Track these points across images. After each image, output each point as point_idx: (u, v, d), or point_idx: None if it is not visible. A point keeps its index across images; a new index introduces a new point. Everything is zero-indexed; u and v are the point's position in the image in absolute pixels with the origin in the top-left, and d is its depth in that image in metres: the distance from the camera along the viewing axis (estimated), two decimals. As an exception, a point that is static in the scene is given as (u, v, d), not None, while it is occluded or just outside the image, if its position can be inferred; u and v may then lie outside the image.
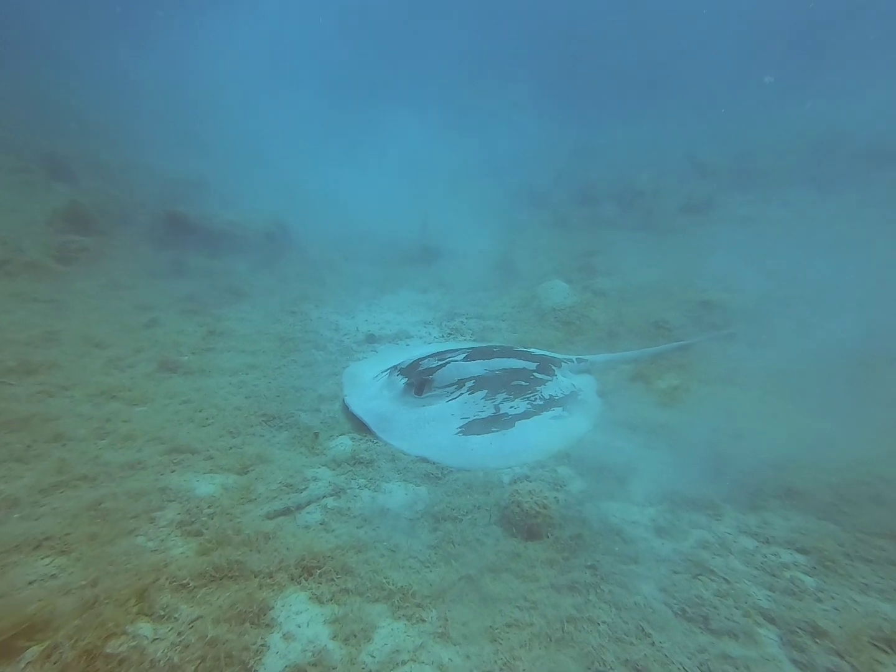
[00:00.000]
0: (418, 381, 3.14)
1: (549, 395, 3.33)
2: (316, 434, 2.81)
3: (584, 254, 6.23)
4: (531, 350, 3.84)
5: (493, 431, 2.96)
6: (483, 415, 3.08)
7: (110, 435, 2.35)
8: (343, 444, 2.78)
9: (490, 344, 3.98)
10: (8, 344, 3.04)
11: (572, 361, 3.78)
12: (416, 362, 3.33)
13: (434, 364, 3.27)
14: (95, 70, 12.91)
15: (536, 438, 2.95)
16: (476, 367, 3.34)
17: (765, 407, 3.07)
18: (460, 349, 3.66)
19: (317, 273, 5.89)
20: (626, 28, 25.85)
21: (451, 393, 3.16)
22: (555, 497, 2.37)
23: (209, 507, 1.97)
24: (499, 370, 3.38)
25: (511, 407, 3.17)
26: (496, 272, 5.90)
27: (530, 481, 2.56)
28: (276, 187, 8.23)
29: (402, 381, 3.16)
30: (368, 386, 3.37)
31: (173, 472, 2.18)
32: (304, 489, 2.32)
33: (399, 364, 3.38)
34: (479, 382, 3.23)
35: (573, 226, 7.65)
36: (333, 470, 2.54)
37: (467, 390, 3.18)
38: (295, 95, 12.17)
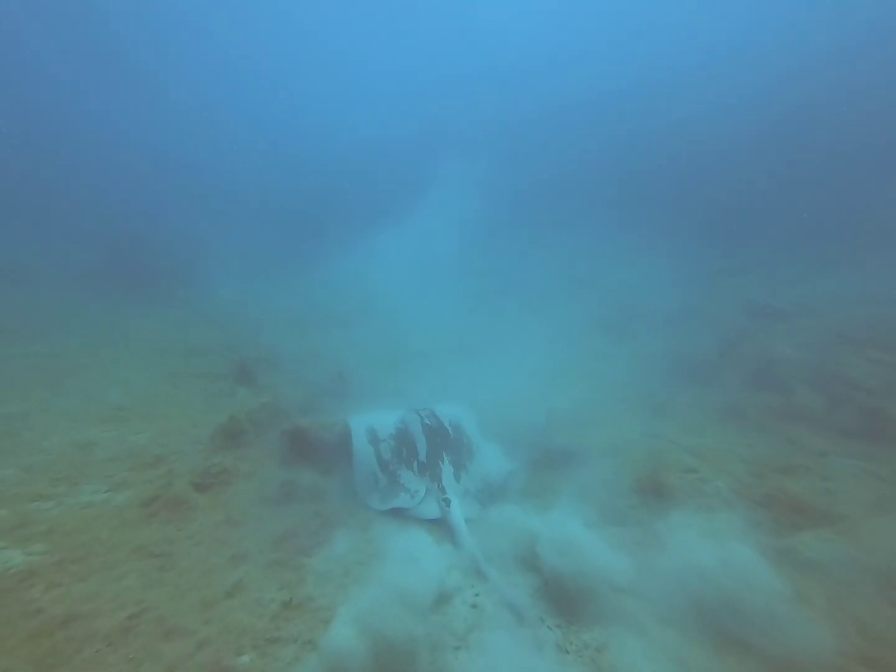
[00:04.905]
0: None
1: None
2: None
3: (775, 469, 4.40)
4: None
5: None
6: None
7: None
8: None
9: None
10: (85, 644, 3.02)
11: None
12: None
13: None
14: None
15: None
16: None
17: None
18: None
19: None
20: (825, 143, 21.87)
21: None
22: None
23: None
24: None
25: None
26: (637, 497, 4.51)
27: None
28: (405, 379, 8.60)
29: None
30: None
31: None
32: None
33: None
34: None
35: (752, 419, 5.76)
36: None
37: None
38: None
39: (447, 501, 4.39)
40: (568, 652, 2.88)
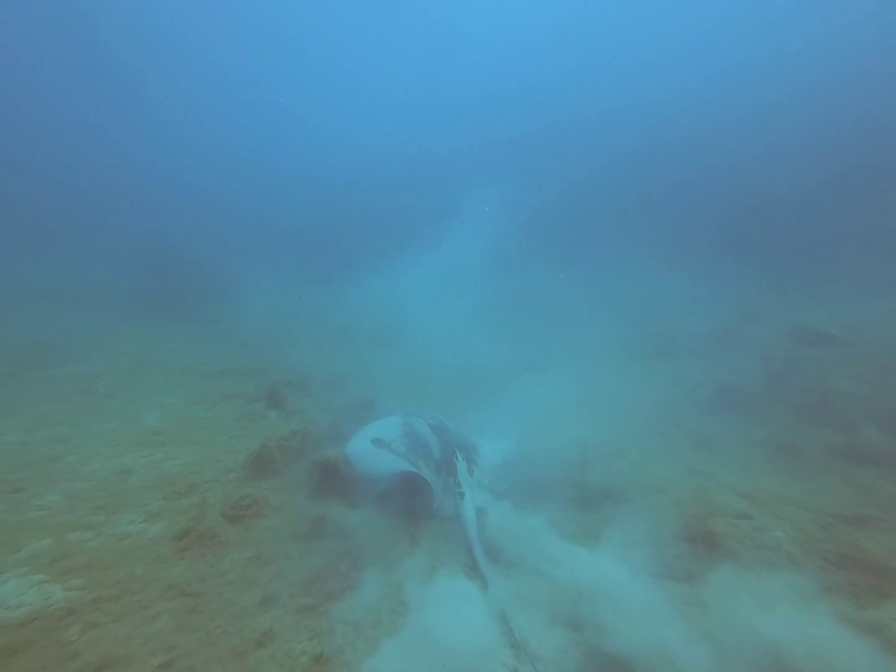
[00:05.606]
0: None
1: None
2: None
3: (843, 519, 4.02)
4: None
5: None
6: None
7: None
8: None
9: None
10: (121, 692, 2.98)
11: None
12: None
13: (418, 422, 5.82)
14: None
15: None
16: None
17: None
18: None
19: (447, 532, 5.20)
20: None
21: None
22: None
23: None
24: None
25: None
26: (685, 545, 4.20)
27: None
28: (436, 407, 8.48)
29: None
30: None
31: None
32: None
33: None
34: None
35: (809, 459, 5.31)
36: None
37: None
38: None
39: (461, 495, 4.70)
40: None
